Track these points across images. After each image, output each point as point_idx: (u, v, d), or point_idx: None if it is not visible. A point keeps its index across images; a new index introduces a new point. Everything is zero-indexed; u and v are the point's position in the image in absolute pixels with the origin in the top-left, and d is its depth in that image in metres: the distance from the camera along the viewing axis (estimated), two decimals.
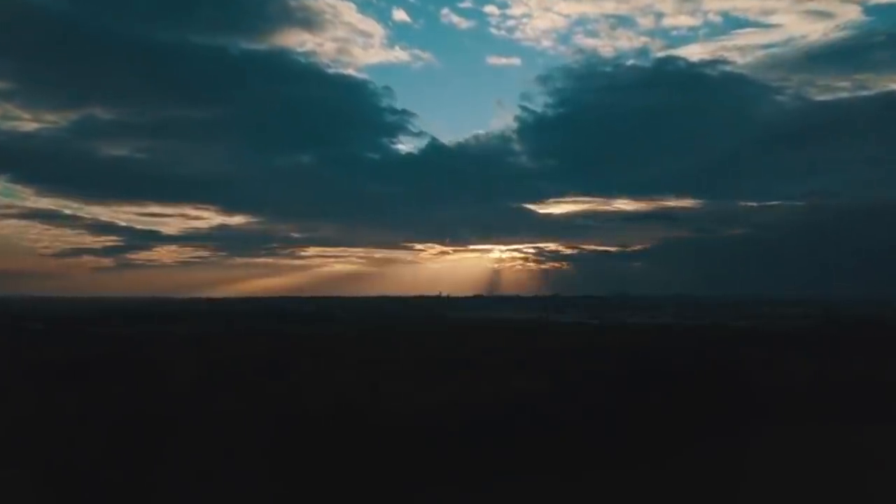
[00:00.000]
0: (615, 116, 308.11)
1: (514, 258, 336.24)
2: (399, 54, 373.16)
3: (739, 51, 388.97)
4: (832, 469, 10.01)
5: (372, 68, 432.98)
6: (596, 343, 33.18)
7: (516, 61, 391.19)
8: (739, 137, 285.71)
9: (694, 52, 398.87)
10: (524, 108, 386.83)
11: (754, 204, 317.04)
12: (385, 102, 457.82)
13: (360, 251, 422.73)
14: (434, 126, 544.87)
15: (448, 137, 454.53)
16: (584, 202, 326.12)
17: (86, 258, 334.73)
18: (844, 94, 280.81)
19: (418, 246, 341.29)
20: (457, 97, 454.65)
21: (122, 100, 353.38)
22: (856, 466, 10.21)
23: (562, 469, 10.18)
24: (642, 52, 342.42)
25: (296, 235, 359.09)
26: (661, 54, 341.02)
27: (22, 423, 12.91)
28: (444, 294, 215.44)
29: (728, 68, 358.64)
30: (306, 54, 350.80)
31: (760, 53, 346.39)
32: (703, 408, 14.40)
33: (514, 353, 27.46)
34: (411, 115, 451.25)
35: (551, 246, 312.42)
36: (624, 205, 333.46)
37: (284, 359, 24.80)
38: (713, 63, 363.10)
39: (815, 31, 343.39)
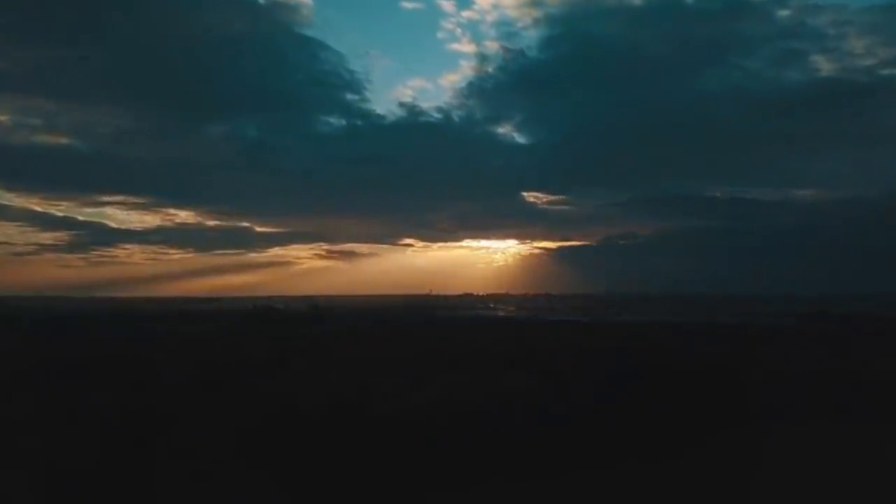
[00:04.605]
0: (625, 62, 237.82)
1: (505, 253, 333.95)
2: None
3: None
4: (832, 469, 10.00)
5: None
6: (588, 341, 33.24)
7: None
8: (788, 99, 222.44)
9: None
10: (506, 49, 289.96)
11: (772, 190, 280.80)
12: (342, 44, 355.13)
13: (339, 246, 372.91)
14: (395, 67, 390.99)
15: (416, 85, 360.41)
16: (580, 193, 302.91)
17: (48, 255, 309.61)
18: None
19: (407, 240, 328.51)
20: (416, 25, 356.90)
21: None
22: (855, 467, 10.19)
23: (555, 468, 10.20)
24: None
25: (259, 230, 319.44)
26: None
27: (19, 423, 12.81)
28: (433, 292, 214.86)
29: None
30: None
31: None
32: (698, 407, 14.48)
33: (505, 351, 27.45)
34: (377, 59, 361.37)
35: (544, 240, 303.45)
36: (626, 193, 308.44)
37: (273, 357, 24.68)
38: None
39: None
